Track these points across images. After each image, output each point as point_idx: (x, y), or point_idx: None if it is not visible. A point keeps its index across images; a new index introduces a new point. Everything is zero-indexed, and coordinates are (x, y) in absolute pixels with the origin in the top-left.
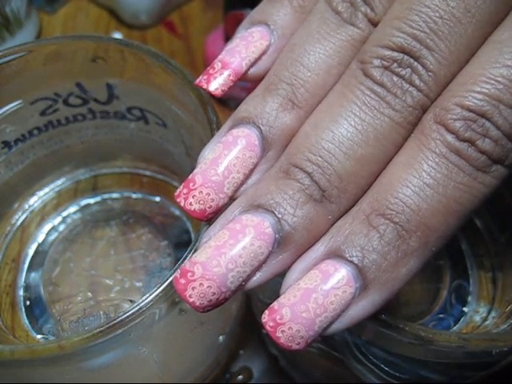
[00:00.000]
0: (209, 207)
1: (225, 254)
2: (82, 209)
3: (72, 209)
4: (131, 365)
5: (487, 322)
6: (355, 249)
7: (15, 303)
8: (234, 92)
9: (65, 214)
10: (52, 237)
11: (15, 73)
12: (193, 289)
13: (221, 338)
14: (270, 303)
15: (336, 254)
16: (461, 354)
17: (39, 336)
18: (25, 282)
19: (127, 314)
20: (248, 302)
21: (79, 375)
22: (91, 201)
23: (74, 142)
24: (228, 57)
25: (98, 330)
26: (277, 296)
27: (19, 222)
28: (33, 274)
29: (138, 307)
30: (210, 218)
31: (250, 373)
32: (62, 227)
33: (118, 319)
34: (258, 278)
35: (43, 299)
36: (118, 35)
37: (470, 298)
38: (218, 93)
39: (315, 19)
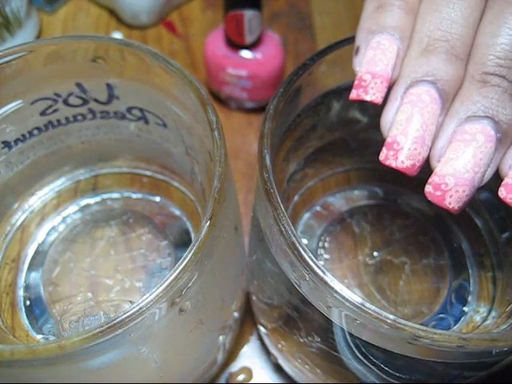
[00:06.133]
0: (417, 161)
1: (469, 162)
2: (82, 209)
3: (72, 209)
4: (131, 365)
5: (487, 322)
6: None
7: (15, 303)
8: (235, 92)
9: (65, 214)
10: (52, 237)
11: (15, 73)
12: (450, 196)
13: (221, 337)
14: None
15: None
16: (461, 354)
17: (39, 336)
18: (25, 281)
19: (127, 314)
20: (248, 302)
21: (79, 375)
22: (91, 201)
23: (73, 142)
24: (373, 67)
25: (97, 329)
26: None
27: (19, 222)
28: (33, 274)
29: (138, 307)
30: (417, 172)
31: (249, 373)
32: (62, 227)
33: (118, 319)
34: (489, 172)
35: (43, 299)
36: (118, 35)
37: (470, 298)
38: (379, 101)
39: None
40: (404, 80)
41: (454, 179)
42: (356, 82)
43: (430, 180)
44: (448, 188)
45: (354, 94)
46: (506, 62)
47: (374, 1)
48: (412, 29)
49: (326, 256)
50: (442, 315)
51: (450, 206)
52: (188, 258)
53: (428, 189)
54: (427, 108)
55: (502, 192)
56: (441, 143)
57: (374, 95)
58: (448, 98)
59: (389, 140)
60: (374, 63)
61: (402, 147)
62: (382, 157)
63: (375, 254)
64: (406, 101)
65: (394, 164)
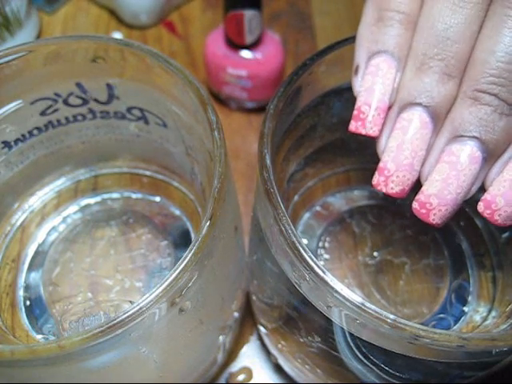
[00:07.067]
0: (406, 186)
1: (452, 184)
2: (82, 209)
3: (72, 209)
4: (131, 365)
5: (487, 322)
6: None
7: (15, 303)
8: (235, 92)
9: (65, 214)
10: (52, 237)
11: (15, 73)
12: (434, 214)
13: (221, 337)
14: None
15: None
16: (461, 353)
17: (39, 336)
18: (25, 281)
19: (127, 314)
20: (248, 302)
21: (79, 375)
22: (91, 201)
23: (73, 142)
24: (370, 97)
25: (97, 329)
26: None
27: (19, 222)
28: (33, 274)
29: (138, 307)
30: (407, 194)
31: (250, 373)
32: (62, 227)
33: (118, 319)
34: (474, 188)
35: (43, 299)
36: (118, 35)
37: (470, 298)
38: (376, 134)
39: None
40: (397, 103)
41: (437, 199)
42: (355, 113)
43: (417, 197)
44: (432, 207)
45: (352, 126)
46: (499, 80)
47: (374, 10)
48: (410, 45)
49: (326, 256)
50: (441, 315)
51: (434, 222)
52: (188, 258)
53: (415, 205)
54: (417, 134)
55: (481, 206)
56: (429, 163)
57: (371, 129)
58: (440, 119)
59: (381, 165)
60: (371, 92)
61: (391, 174)
62: (374, 181)
63: (375, 253)
64: (397, 126)
65: (384, 190)
